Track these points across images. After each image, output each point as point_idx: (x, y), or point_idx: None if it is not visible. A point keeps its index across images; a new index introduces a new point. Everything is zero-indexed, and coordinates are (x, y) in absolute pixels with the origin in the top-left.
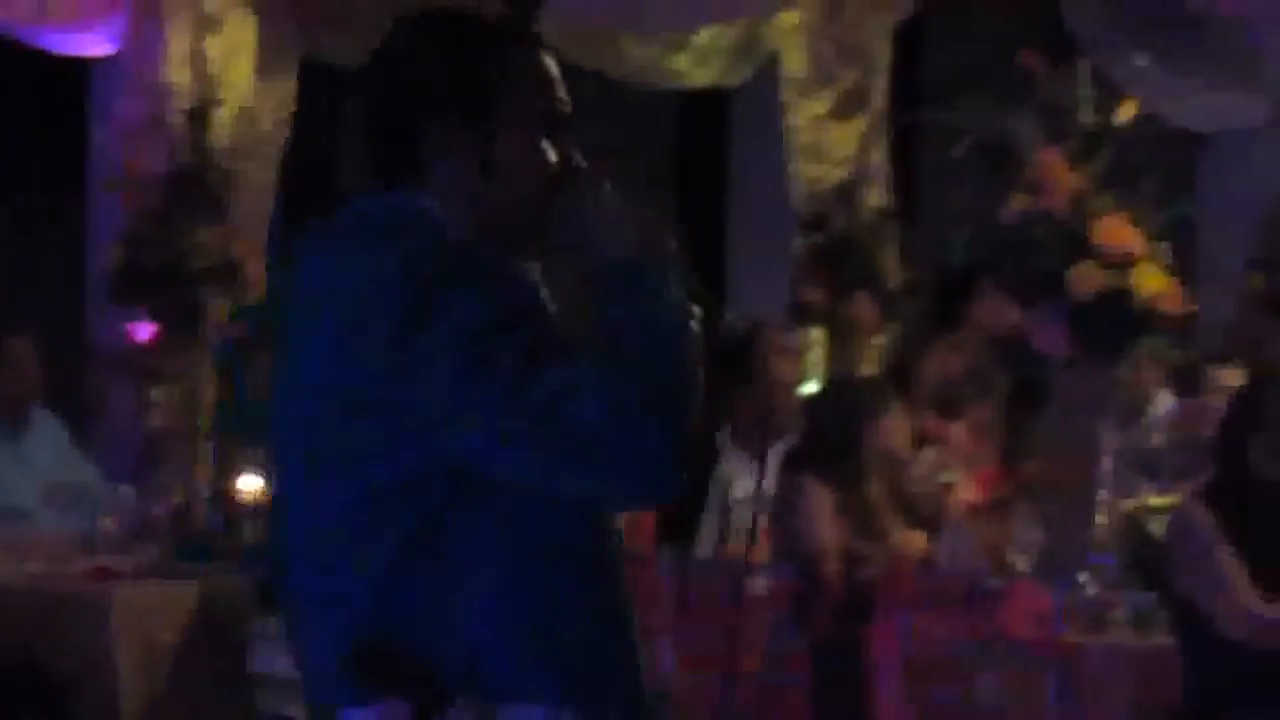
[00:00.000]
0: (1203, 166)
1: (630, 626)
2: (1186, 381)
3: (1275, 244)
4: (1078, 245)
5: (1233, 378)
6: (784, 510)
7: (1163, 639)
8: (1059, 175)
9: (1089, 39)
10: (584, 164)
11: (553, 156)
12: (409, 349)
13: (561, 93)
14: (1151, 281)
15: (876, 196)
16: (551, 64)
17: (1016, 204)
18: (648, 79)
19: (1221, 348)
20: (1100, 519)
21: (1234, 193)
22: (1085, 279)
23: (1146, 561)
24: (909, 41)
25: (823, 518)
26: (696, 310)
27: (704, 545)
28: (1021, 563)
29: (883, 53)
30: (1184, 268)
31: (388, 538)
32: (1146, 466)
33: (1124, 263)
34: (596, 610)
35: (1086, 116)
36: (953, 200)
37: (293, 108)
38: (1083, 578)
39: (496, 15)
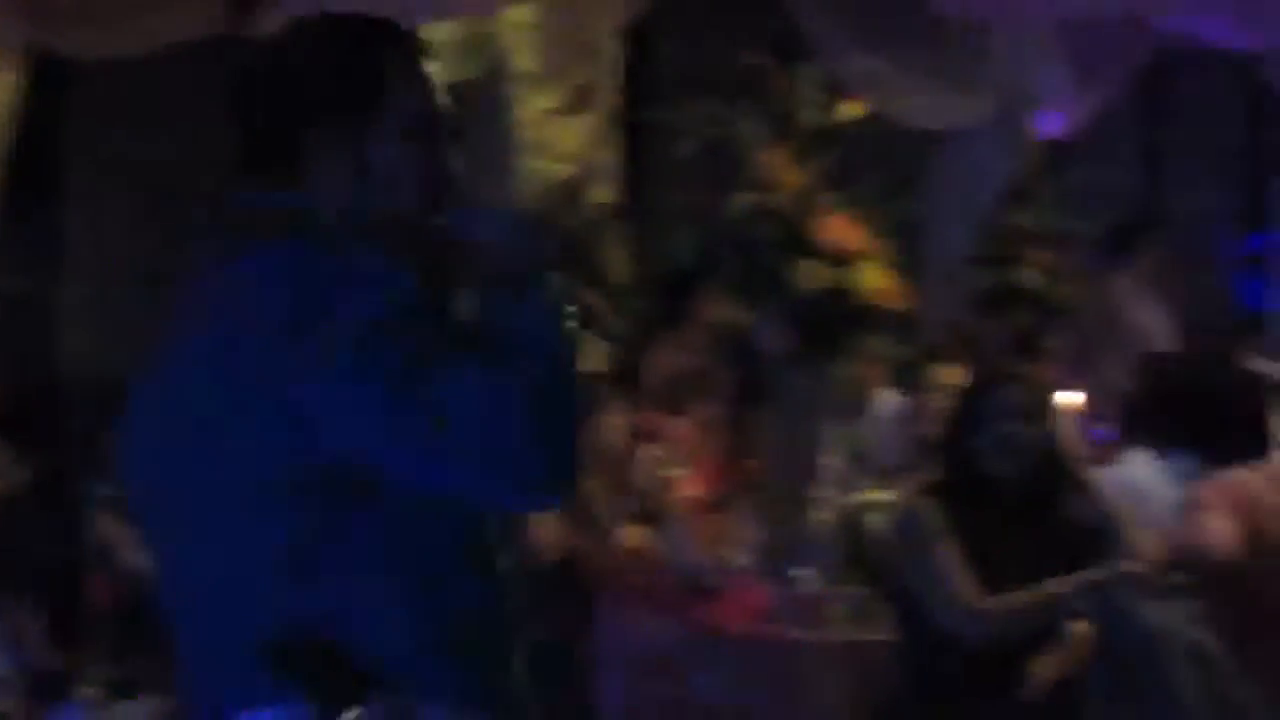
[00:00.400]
0: (930, 165)
1: (515, 631)
2: (908, 378)
3: (997, 242)
4: (800, 243)
5: (954, 375)
6: None
7: (880, 634)
8: (783, 173)
9: (817, 39)
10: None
11: (429, 162)
12: (297, 349)
13: (439, 98)
14: (873, 279)
15: (604, 194)
16: (430, 68)
17: (740, 202)
18: None
19: (943, 345)
20: (820, 515)
21: (960, 191)
22: (807, 276)
23: (865, 557)
24: (639, 40)
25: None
26: (574, 319)
27: None
28: (742, 559)
29: (612, 50)
30: (910, 265)
31: (280, 538)
32: (867, 463)
33: (846, 260)
34: (487, 613)
35: (811, 116)
36: (679, 198)
37: (16, 102)
38: (801, 573)
39: (373, 19)
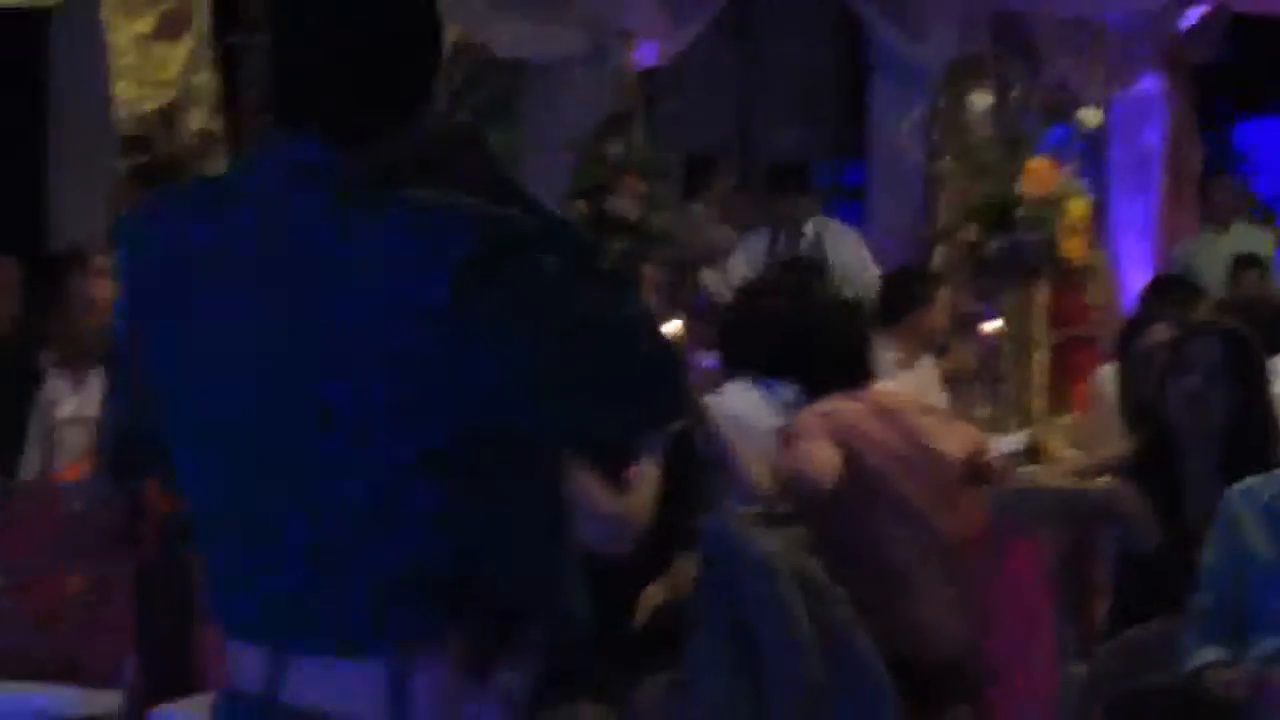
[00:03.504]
0: (525, 95)
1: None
2: None
3: (593, 172)
4: None
5: None
6: None
7: None
8: None
9: None
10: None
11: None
12: (470, 310)
13: None
14: None
15: (201, 119)
16: None
17: None
18: None
19: None
20: None
21: (555, 122)
22: None
23: None
24: None
25: None
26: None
27: (28, 468)
28: None
29: None
30: None
31: (450, 478)
32: None
33: None
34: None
35: None
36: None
37: None
38: None
39: None
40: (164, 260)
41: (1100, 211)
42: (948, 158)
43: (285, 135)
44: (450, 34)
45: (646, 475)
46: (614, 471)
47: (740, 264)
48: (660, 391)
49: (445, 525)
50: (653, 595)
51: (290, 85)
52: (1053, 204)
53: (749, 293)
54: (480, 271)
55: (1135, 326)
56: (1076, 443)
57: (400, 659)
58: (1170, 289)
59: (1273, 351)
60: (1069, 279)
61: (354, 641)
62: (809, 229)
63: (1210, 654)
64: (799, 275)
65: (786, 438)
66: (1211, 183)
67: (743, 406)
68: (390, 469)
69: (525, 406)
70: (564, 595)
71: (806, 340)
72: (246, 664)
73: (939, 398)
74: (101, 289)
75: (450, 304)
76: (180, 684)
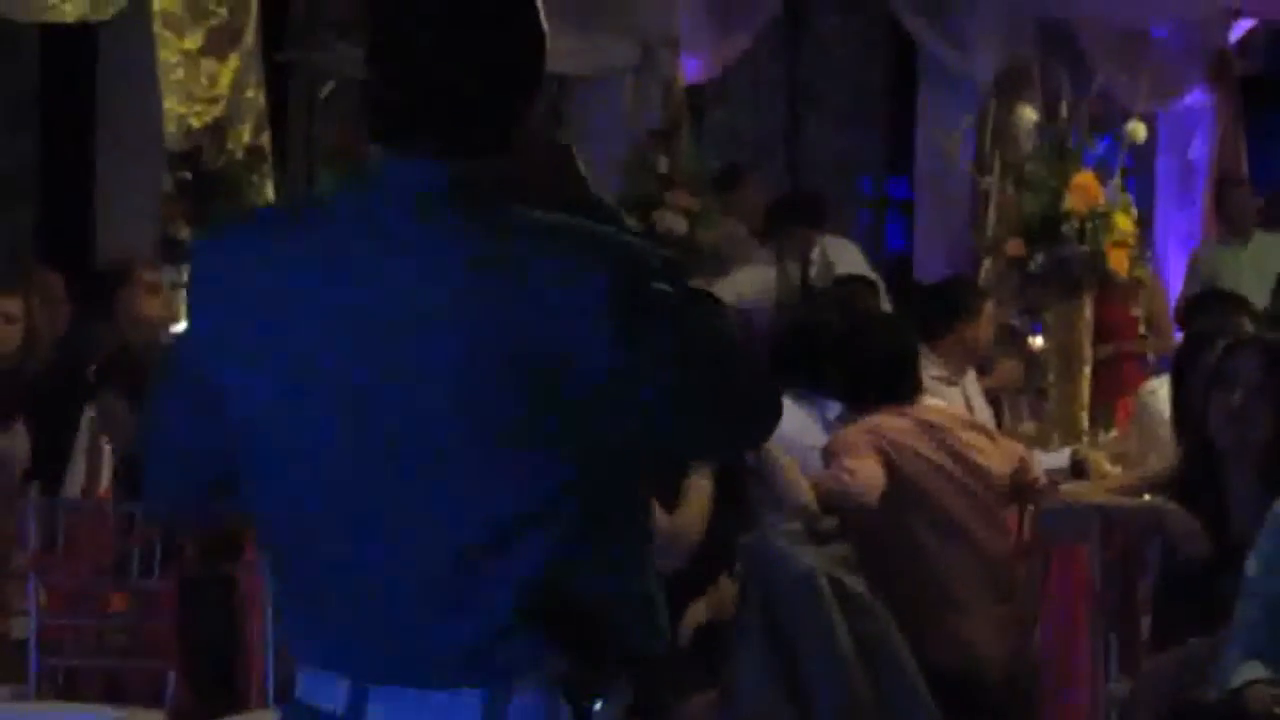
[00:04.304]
0: (571, 107)
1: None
2: None
3: (642, 186)
4: None
5: None
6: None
7: None
8: None
9: None
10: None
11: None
12: (638, 344)
13: None
14: None
15: (249, 134)
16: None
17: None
18: (12, 11)
19: None
20: None
21: (602, 136)
22: None
23: None
24: None
25: None
26: None
27: (71, 485)
28: None
29: None
30: None
31: (571, 506)
32: None
33: None
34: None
35: None
36: (324, 138)
37: None
38: None
39: None
40: (257, 290)
41: (1146, 225)
42: (995, 170)
43: (394, 159)
44: None
45: (699, 490)
46: (669, 486)
47: (743, 281)
48: (766, 410)
49: (556, 558)
50: (696, 613)
51: (402, 109)
52: (1099, 218)
53: (799, 308)
54: (622, 301)
55: (1195, 343)
56: (1120, 459)
57: (496, 689)
58: (1215, 302)
59: None
60: (1115, 293)
61: (452, 673)
62: (815, 253)
63: (1253, 671)
64: (849, 289)
65: (831, 453)
66: (1228, 193)
67: (788, 422)
68: (509, 503)
69: (653, 431)
70: (656, 620)
71: (854, 355)
72: (327, 687)
73: (983, 412)
74: (150, 305)
75: (593, 334)
76: (224, 702)
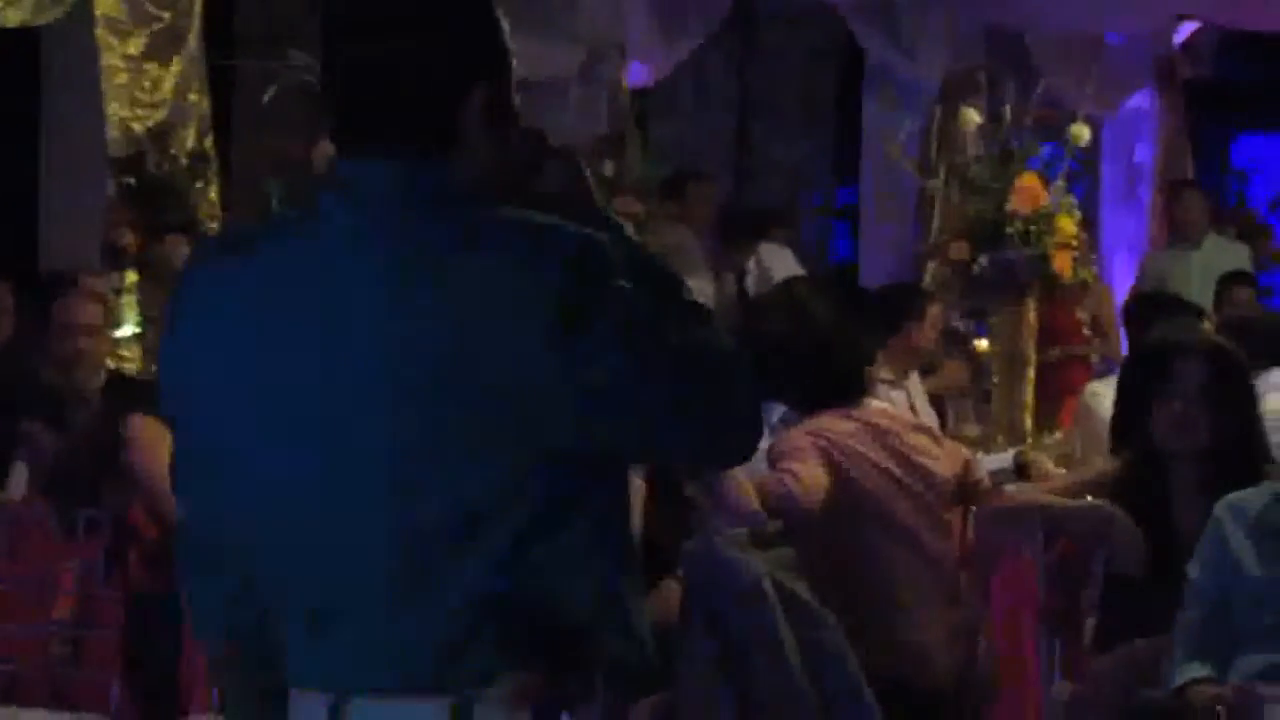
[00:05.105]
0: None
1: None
2: None
3: None
4: None
5: None
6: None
7: None
8: None
9: None
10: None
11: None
12: (576, 342)
13: None
14: None
15: (193, 139)
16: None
17: (323, 151)
18: None
19: None
20: None
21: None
22: None
23: None
24: None
25: (159, 458)
26: None
27: (14, 489)
28: None
29: None
30: None
31: (524, 512)
32: None
33: None
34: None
35: None
36: (268, 144)
37: None
38: None
39: None
40: (230, 317)
41: (1092, 228)
42: (941, 174)
43: (344, 160)
44: None
45: (631, 489)
46: None
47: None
48: (743, 424)
49: (527, 559)
50: None
51: (346, 110)
52: (1043, 220)
53: (746, 311)
54: (568, 297)
55: (1144, 352)
56: (1064, 460)
57: (466, 695)
58: (1162, 306)
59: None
60: (1060, 296)
61: (422, 679)
62: (751, 264)
63: (1196, 670)
64: (797, 292)
65: (775, 456)
66: (1180, 196)
67: None
68: (477, 501)
69: (617, 434)
70: (632, 626)
71: (799, 357)
72: (307, 705)
73: (927, 414)
74: (91, 313)
75: (552, 333)
76: (168, 710)
